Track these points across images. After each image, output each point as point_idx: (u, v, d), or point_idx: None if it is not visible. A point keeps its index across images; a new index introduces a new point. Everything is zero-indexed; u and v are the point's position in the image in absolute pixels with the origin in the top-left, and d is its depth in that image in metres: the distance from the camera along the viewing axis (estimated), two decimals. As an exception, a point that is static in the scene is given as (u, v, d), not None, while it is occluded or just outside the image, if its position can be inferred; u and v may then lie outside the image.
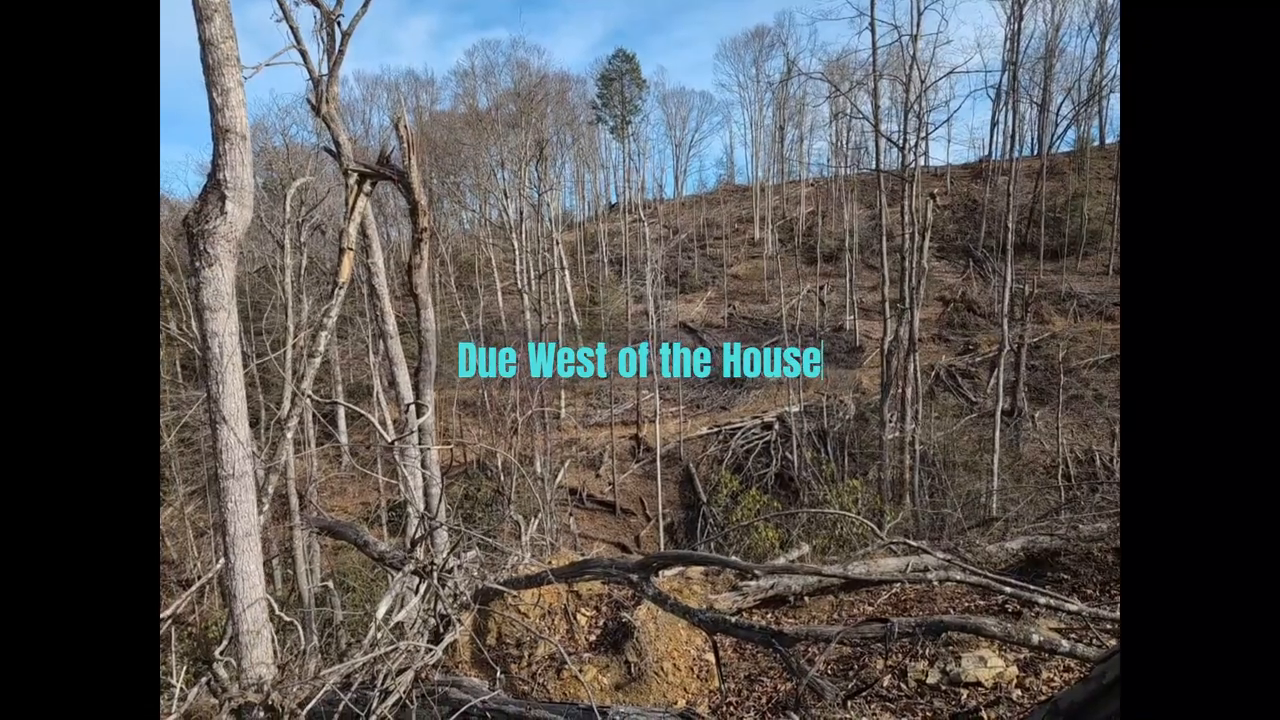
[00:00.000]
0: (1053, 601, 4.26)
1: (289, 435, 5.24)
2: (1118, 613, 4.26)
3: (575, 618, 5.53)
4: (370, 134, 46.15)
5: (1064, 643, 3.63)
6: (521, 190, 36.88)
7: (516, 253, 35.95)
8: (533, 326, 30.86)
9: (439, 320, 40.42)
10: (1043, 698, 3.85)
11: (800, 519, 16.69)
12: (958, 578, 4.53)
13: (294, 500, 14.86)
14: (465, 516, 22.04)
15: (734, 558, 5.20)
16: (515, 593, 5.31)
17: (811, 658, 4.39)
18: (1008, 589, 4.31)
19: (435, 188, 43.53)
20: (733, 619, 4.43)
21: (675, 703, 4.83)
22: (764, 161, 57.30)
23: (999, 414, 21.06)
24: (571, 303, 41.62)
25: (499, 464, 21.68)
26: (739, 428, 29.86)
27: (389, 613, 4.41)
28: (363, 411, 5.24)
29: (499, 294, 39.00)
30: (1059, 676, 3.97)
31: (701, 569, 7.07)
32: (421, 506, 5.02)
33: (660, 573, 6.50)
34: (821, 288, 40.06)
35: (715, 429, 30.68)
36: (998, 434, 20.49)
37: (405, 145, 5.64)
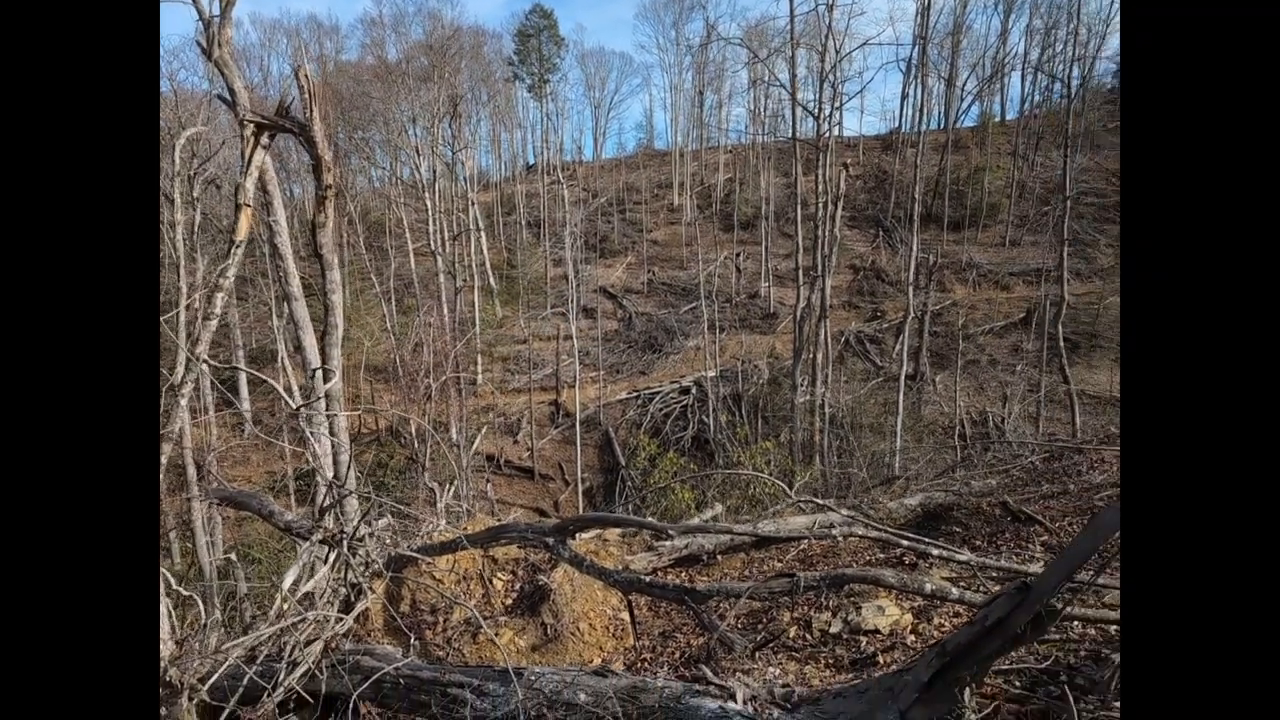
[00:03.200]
0: (944, 553, 4.56)
1: (183, 402, 4.95)
2: (1002, 561, 4.60)
3: (491, 582, 5.53)
4: (270, 83, 43.38)
5: (954, 590, 3.89)
6: (434, 148, 35.57)
7: (430, 213, 34.79)
8: (447, 290, 30.08)
9: (348, 282, 38.94)
10: (933, 641, 4.12)
11: (715, 480, 17.15)
12: (859, 533, 4.77)
13: (191, 470, 14.13)
14: (378, 485, 21.55)
15: (650, 519, 5.30)
16: (430, 559, 5.25)
17: (723, 613, 4.55)
18: (904, 542, 4.57)
19: (342, 143, 41.46)
20: (647, 578, 4.53)
21: (591, 661, 4.92)
22: (683, 126, 57.26)
23: (903, 378, 22.05)
24: (488, 265, 40.72)
25: (413, 431, 21.24)
26: (657, 392, 30.20)
27: (296, 583, 4.28)
28: (265, 377, 5.00)
29: (411, 256, 37.77)
30: (949, 622, 4.26)
31: (619, 531, 7.18)
32: (330, 474, 4.86)
33: (577, 536, 6.55)
34: (738, 255, 40.63)
35: (634, 394, 30.93)
36: (901, 397, 21.48)
37: (307, 96, 5.33)
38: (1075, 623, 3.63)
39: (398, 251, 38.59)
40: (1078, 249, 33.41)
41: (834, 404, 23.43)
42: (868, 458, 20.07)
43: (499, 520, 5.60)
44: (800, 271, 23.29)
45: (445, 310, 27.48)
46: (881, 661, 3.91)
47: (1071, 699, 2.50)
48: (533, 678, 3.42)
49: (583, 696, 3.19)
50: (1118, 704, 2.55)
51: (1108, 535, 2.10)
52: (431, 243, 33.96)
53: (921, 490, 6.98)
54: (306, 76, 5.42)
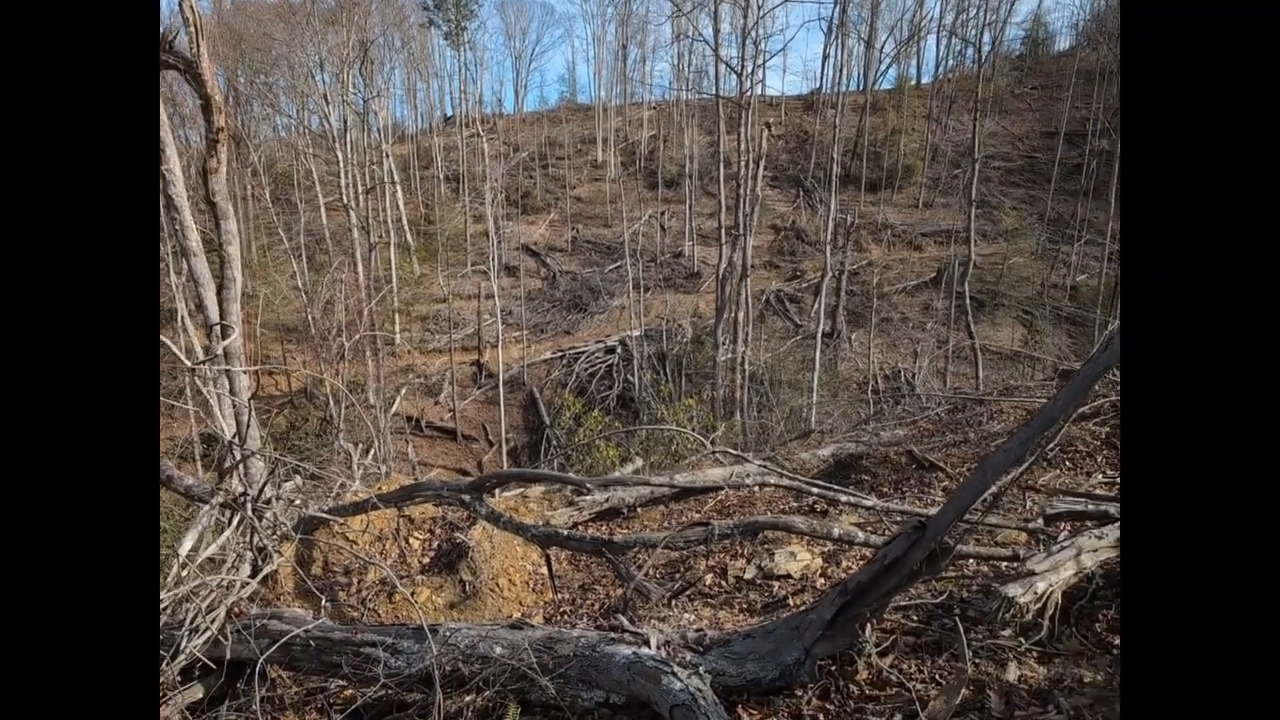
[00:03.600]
0: (852, 499, 4.75)
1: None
2: (906, 505, 4.82)
3: (408, 541, 5.44)
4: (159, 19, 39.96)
5: (860, 534, 4.05)
6: (345, 96, 33.76)
7: (341, 165, 33.14)
8: (361, 246, 28.93)
9: (254, 238, 36.89)
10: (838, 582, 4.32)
11: (639, 436, 17.32)
12: (773, 482, 4.91)
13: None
14: (291, 448, 20.83)
15: (569, 474, 5.29)
16: (342, 521, 5.12)
17: (641, 564, 4.62)
18: (814, 490, 4.74)
19: (243, 88, 38.84)
20: (565, 532, 4.54)
21: (510, 616, 4.93)
22: (607, 81, 56.22)
23: (819, 336, 22.68)
24: (405, 221, 39.25)
25: (328, 392, 20.51)
26: (582, 352, 30.12)
27: (195, 549, 4.09)
28: (164, 340, 4.68)
29: (323, 210, 36.04)
30: (856, 565, 4.44)
31: (541, 488, 7.17)
32: (230, 435, 4.63)
33: (498, 493, 6.51)
34: (663, 213, 40.53)
35: (559, 353, 30.75)
36: (818, 354, 22.13)
37: (193, 30, 4.92)
38: (970, 560, 3.85)
39: (308, 205, 36.71)
40: (984, 211, 34.85)
41: (754, 361, 23.95)
42: (786, 412, 20.67)
43: (417, 480, 5.50)
44: (722, 231, 23.45)
45: (360, 267, 26.45)
46: (792, 604, 4.06)
47: (961, 629, 2.66)
48: (448, 633, 3.39)
49: (499, 649, 3.19)
50: (1005, 631, 2.73)
51: (996, 477, 2.20)
52: (344, 196, 32.41)
53: (834, 442, 7.23)
54: (192, 8, 5.00)
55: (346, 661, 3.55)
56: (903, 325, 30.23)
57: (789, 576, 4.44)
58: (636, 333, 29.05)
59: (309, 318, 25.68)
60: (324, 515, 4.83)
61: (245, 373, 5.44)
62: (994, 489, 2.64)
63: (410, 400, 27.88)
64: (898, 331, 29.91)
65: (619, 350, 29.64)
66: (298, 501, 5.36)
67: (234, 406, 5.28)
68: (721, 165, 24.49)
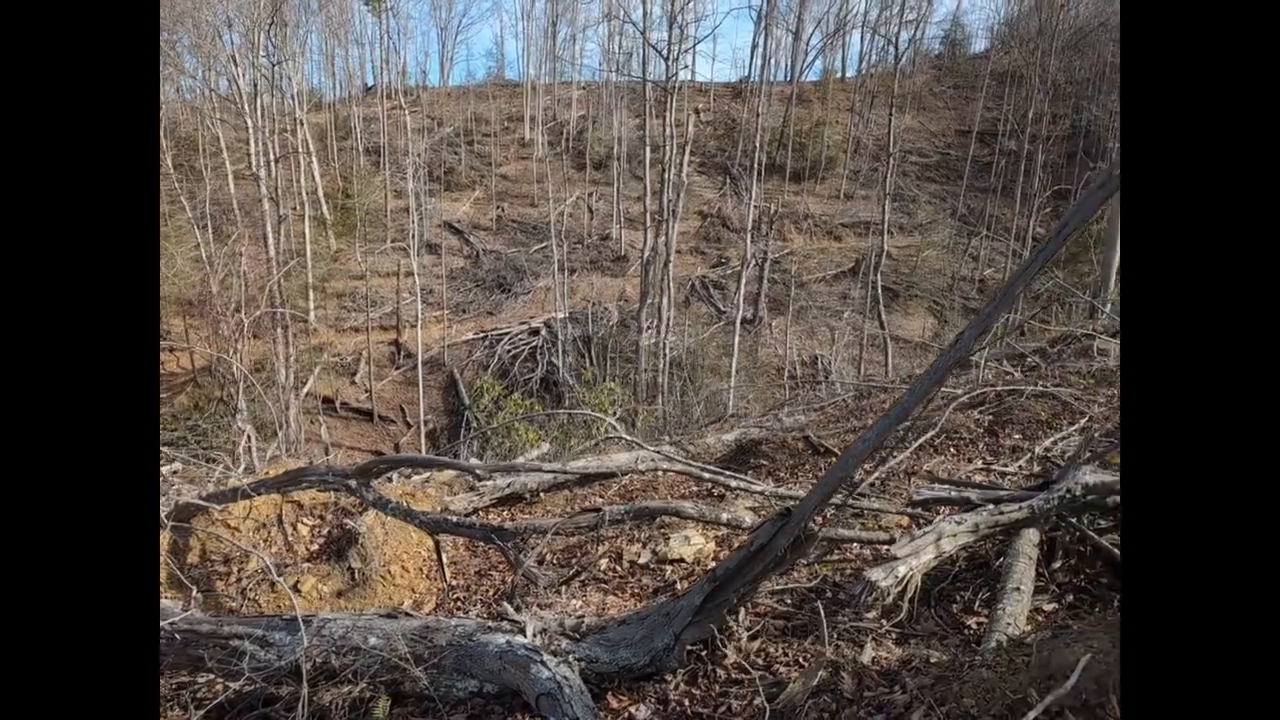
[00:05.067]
0: (741, 485, 4.84)
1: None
2: (795, 489, 4.95)
3: (296, 528, 5.23)
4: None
5: (748, 518, 4.13)
6: (254, 59, 31.97)
7: (251, 131, 31.41)
8: (271, 218, 27.59)
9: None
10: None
11: (559, 420, 17.23)
12: (664, 467, 4.95)
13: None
14: (192, 427, 19.82)
15: (460, 459, 5.19)
16: (222, 507, 4.88)
17: (535, 550, 4.58)
18: (705, 475, 4.80)
19: (144, 44, 36.23)
20: (454, 519, 4.46)
21: (401, 603, 4.82)
22: (535, 58, 55.13)
23: (738, 322, 23.03)
24: (321, 193, 37.62)
25: (233, 371, 19.53)
26: (506, 333, 29.68)
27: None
28: None
29: (230, 178, 34.15)
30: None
31: (450, 473, 7.03)
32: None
33: (396, 477, 6.35)
34: (590, 195, 40.22)
35: (482, 334, 30.21)
36: (737, 340, 22.48)
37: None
38: (854, 545, 3.98)
39: (215, 173, 34.71)
40: (901, 205, 36.03)
41: (677, 347, 24.17)
42: (706, 397, 20.96)
43: (301, 465, 5.29)
44: (648, 216, 23.47)
45: (270, 240, 25.22)
46: (679, 589, 4.11)
47: (824, 613, 2.74)
48: (321, 624, 3.28)
49: (373, 640, 3.10)
50: (870, 614, 2.82)
51: (856, 464, 2.26)
52: (253, 165, 30.76)
53: (740, 428, 7.36)
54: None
55: (212, 655, 3.39)
56: (821, 313, 31.01)
57: (682, 560, 4.49)
58: (561, 315, 28.81)
59: (211, 291, 24.39)
60: (199, 502, 4.59)
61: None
62: (856, 476, 2.72)
63: (325, 380, 26.91)
64: (816, 319, 30.67)
65: (543, 332, 29.33)
66: (176, 487, 5.07)
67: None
68: (649, 149, 24.46)
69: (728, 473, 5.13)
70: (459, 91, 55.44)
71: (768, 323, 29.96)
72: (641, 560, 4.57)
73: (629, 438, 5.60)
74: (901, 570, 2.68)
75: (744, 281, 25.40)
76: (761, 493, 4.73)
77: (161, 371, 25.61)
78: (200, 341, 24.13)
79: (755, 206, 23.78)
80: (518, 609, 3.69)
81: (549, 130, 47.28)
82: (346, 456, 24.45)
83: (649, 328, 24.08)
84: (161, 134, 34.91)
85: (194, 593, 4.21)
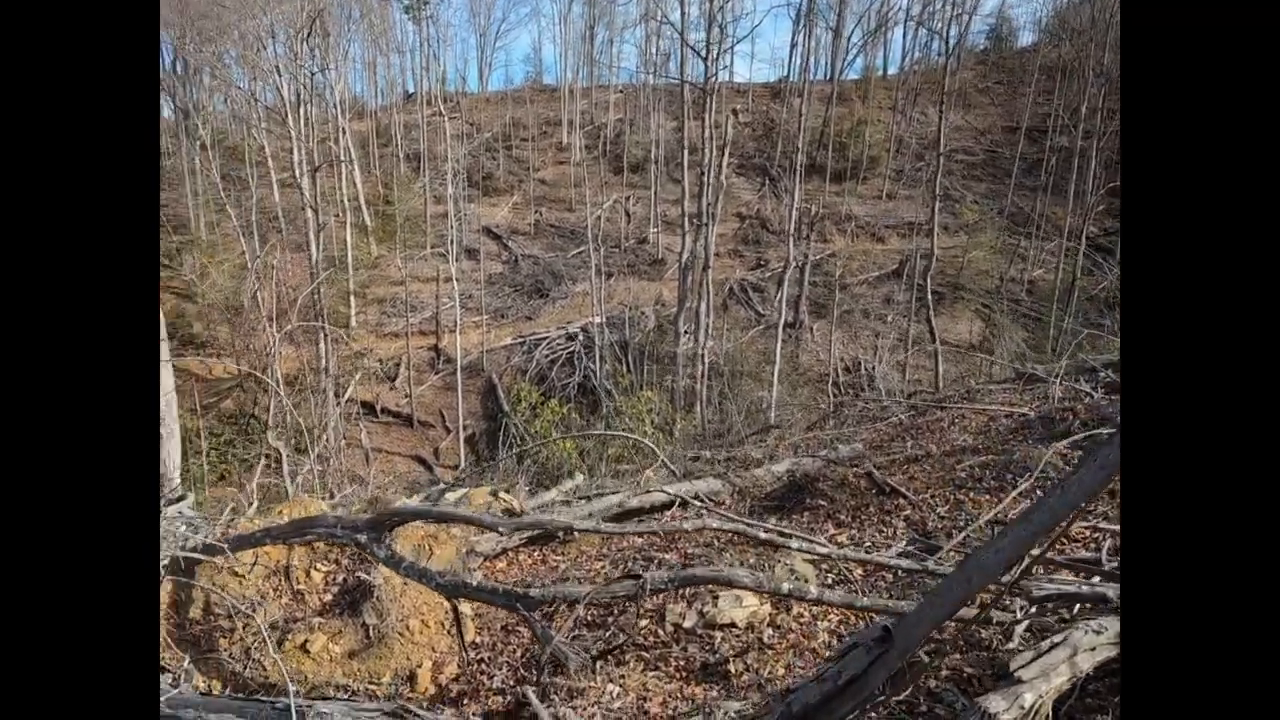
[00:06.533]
0: (804, 545, 4.26)
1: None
2: (863, 553, 4.36)
3: (309, 574, 4.81)
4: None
5: (812, 589, 3.58)
6: (296, 68, 32.24)
7: (294, 140, 31.67)
8: (313, 226, 27.73)
9: (203, 213, 35.28)
10: (791, 635, 3.84)
11: (596, 434, 16.78)
12: (714, 525, 4.40)
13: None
14: (228, 442, 19.86)
15: (479, 514, 4.72)
16: (228, 555, 4.48)
17: (562, 624, 4.06)
18: (762, 535, 4.24)
19: (192, 58, 36.98)
20: (473, 583, 3.98)
21: (420, 664, 4.36)
22: (573, 62, 54.98)
23: (780, 327, 22.33)
24: (362, 200, 37.86)
25: (279, 379, 19.47)
26: (544, 338, 29.46)
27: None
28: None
29: (275, 187, 34.53)
30: (808, 612, 3.98)
31: (476, 502, 6.58)
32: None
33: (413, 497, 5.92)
34: (627, 199, 39.80)
35: (520, 339, 30.05)
36: (779, 345, 21.74)
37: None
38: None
39: (260, 182, 35.16)
40: (947, 204, 34.84)
41: (716, 352, 23.55)
42: (745, 405, 20.32)
43: (308, 515, 4.88)
44: (686, 219, 22.92)
45: (312, 247, 25.28)
46: (733, 670, 3.57)
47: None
48: (317, 717, 2.81)
49: (373, 748, 2.62)
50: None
51: (982, 582, 1.71)
52: (296, 173, 31.01)
53: (791, 458, 6.77)
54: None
55: (197, 749, 2.95)
56: (864, 317, 30.06)
57: (733, 625, 3.95)
58: (599, 320, 28.37)
59: (256, 299, 24.53)
60: (197, 555, 4.20)
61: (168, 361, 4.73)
62: (979, 596, 2.15)
63: (365, 385, 26.94)
64: (859, 323, 29.74)
65: (580, 337, 28.99)
66: (182, 529, 4.69)
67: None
68: (686, 152, 23.91)
69: (787, 530, 4.57)
70: (497, 97, 55.62)
71: (809, 326, 29.13)
72: (687, 624, 4.03)
73: (670, 492, 5.06)
74: (1029, 698, 2.11)
75: (785, 284, 24.65)
76: (826, 556, 4.16)
77: (209, 375, 25.93)
78: (234, 355, 24.28)
79: (796, 208, 23.03)
80: (543, 695, 3.19)
81: (586, 134, 47.05)
82: (386, 461, 24.46)
83: (687, 333, 23.53)
84: (209, 144, 35.60)
85: (185, 663, 3.81)
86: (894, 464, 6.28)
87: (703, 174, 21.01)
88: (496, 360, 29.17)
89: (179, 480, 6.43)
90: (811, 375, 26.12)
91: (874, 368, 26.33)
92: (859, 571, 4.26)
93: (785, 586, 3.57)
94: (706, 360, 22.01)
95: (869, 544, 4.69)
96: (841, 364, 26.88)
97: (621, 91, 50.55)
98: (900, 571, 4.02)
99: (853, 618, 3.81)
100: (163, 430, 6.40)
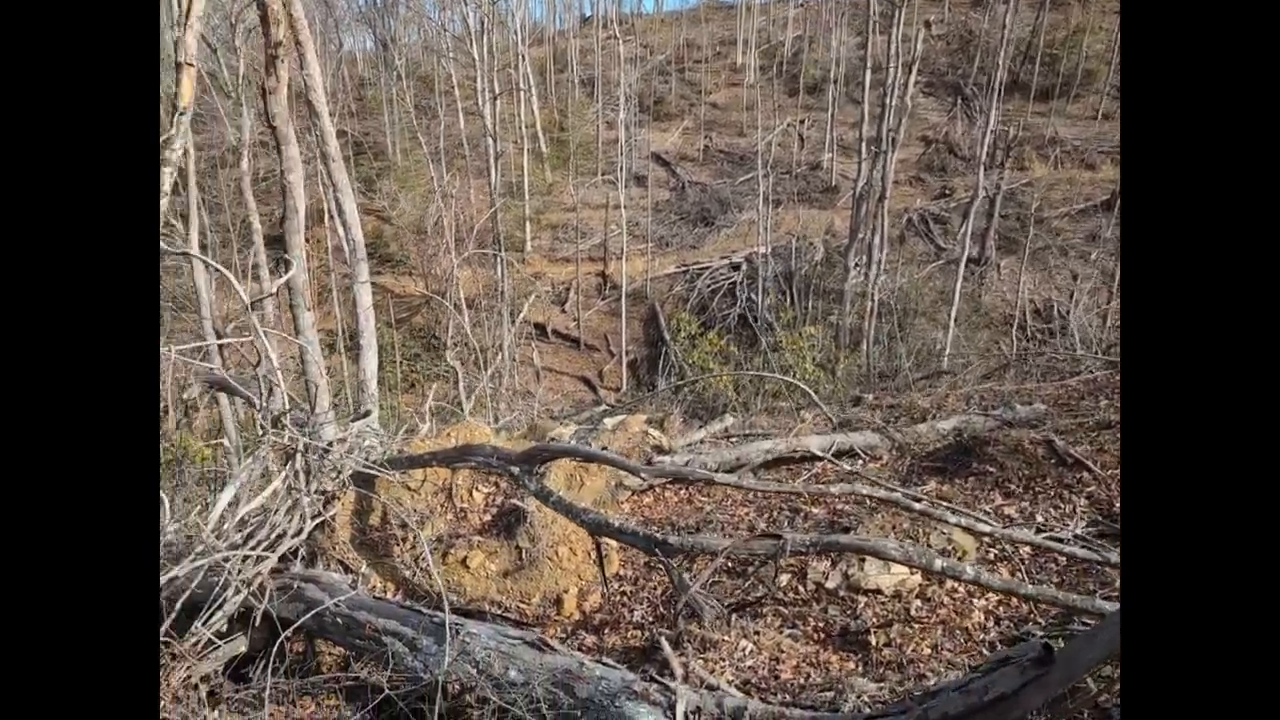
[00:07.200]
0: (964, 522, 3.92)
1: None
2: (1032, 534, 3.95)
3: (471, 494, 5.18)
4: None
5: (969, 569, 3.30)
6: (480, -3, 33.04)
7: (478, 68, 32.83)
8: (492, 153, 28.96)
9: (399, 141, 37.85)
10: (942, 610, 3.61)
11: (754, 364, 16.58)
12: (863, 491, 4.15)
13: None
14: (415, 355, 21.62)
15: (622, 458, 4.78)
16: (402, 471, 4.90)
17: (698, 573, 4.05)
18: (916, 507, 3.94)
19: (386, -10, 39.04)
20: (616, 524, 4.07)
21: (567, 590, 4.59)
22: (752, -25, 52.11)
23: (963, 263, 20.60)
24: (539, 127, 38.87)
25: (455, 301, 20.95)
26: (706, 267, 29.26)
27: (232, 504, 3.94)
28: (217, 267, 4.49)
29: (460, 115, 36.24)
30: (964, 587, 3.71)
31: (631, 432, 6.74)
32: (276, 375, 4.43)
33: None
34: (802, 122, 37.85)
35: (683, 268, 30.06)
36: (959, 283, 20.09)
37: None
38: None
39: (448, 110, 37.03)
40: (1182, 125, 29.94)
41: (888, 288, 22.23)
42: (916, 348, 19.15)
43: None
44: (863, 144, 21.45)
45: (493, 174, 26.47)
46: (873, 642, 3.41)
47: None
48: (466, 639, 3.04)
49: (513, 673, 2.80)
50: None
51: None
52: (478, 101, 32.28)
53: (959, 414, 6.25)
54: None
55: (370, 650, 3.30)
56: (1062, 255, 26.95)
57: (879, 592, 3.77)
58: (764, 250, 27.63)
59: (440, 224, 26.20)
60: (373, 470, 4.62)
61: (311, 313, 5.23)
62: None
63: (538, 308, 28.30)
64: (1056, 262, 26.74)
65: (744, 268, 28.47)
66: (367, 443, 5.18)
67: (301, 349, 5.12)
68: (869, 70, 22.18)
69: (946, 505, 4.24)
70: (673, 17, 54.40)
71: (996, 263, 26.63)
72: (829, 584, 3.91)
73: (820, 450, 4.81)
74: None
75: (971, 216, 22.56)
76: (989, 534, 3.83)
77: (402, 292, 28.30)
78: (426, 270, 26.10)
79: (991, 130, 20.78)
80: (676, 642, 3.23)
81: (761, 54, 44.91)
82: (554, 380, 25.81)
83: (857, 266, 22.38)
84: (404, 75, 37.83)
85: (362, 569, 4.26)
86: (1081, 429, 5.63)
87: (885, 94, 19.43)
88: (660, 288, 29.44)
89: (375, 388, 7.07)
90: (994, 318, 24.04)
91: (1068, 313, 23.71)
92: (1026, 550, 3.90)
93: (939, 563, 3.33)
94: (877, 296, 20.88)
95: (1041, 521, 4.26)
96: (1031, 306, 24.48)
97: (801, 6, 47.54)
98: (1076, 558, 3.62)
99: (1015, 600, 3.50)
100: (361, 342, 7.02)
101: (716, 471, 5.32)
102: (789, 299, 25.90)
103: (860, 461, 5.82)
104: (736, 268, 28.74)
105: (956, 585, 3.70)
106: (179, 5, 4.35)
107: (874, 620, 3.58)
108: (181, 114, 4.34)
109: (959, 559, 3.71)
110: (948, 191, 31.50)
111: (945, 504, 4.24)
